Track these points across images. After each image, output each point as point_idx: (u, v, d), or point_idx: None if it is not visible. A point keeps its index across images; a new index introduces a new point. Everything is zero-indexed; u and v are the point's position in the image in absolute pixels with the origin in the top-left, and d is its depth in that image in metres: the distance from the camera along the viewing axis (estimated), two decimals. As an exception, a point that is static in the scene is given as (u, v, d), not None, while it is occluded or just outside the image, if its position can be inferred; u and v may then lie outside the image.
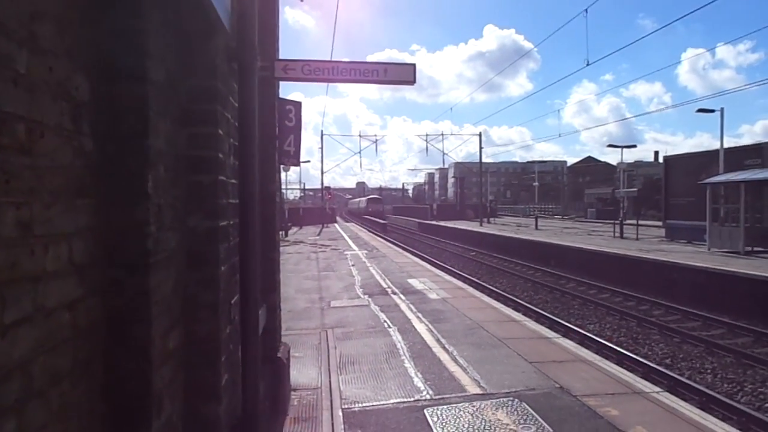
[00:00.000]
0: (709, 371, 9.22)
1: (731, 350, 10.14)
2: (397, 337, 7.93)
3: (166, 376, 2.05)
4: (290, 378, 5.59)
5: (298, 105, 5.63)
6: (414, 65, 5.38)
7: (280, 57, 5.34)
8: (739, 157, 22.14)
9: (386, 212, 76.34)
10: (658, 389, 5.98)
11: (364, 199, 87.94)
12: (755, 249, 18.77)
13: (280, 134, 5.26)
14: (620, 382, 5.98)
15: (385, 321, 8.99)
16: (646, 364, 9.19)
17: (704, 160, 23.84)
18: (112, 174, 1.86)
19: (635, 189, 55.74)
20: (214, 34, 2.41)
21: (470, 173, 72.41)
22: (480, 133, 47.57)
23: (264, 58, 4.88)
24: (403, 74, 5.39)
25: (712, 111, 24.77)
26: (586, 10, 18.41)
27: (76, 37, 1.64)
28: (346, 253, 21.90)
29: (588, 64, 24.86)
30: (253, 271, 2.75)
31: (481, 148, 46.90)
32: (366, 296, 11.44)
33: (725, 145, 23.31)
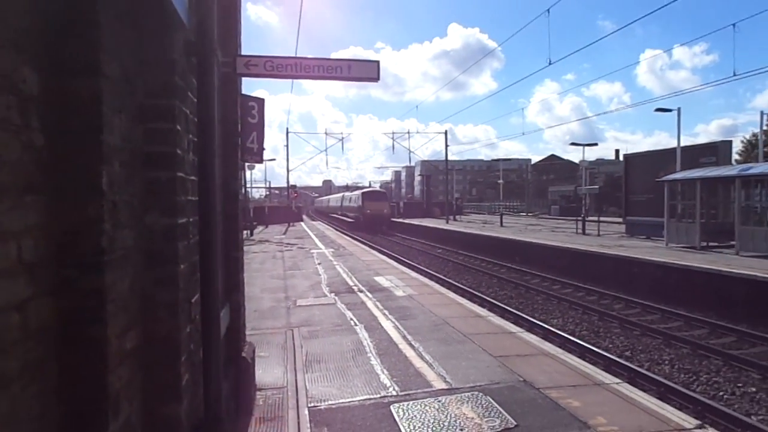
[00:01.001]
0: (666, 362, 9.49)
1: (688, 342, 10.46)
2: (363, 334, 7.93)
3: (124, 377, 2.00)
4: (255, 378, 5.53)
5: (261, 102, 5.56)
6: (378, 62, 5.38)
7: (243, 53, 5.27)
8: (695, 155, 22.86)
9: (389, 215, 49.41)
10: (617, 380, 6.13)
11: (356, 194, 54.88)
12: (710, 244, 19.41)
13: (242, 131, 5.19)
14: (582, 375, 6.10)
15: (351, 319, 8.98)
16: (607, 356, 9.41)
17: (662, 158, 24.52)
18: (64, 170, 1.80)
19: (597, 186, 56.98)
20: (172, 28, 2.36)
21: (436, 171, 72.82)
22: (446, 131, 47.89)
23: (225, 53, 4.82)
24: (367, 71, 5.39)
25: (670, 110, 25.48)
26: (548, 10, 18.80)
27: (23, 28, 1.59)
28: (312, 251, 21.79)
29: (550, 63, 25.35)
30: (213, 270, 2.71)
31: (446, 146, 47.25)
32: (332, 294, 11.41)
33: (682, 144, 24.01)
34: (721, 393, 8.01)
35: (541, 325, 11.72)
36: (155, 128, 2.30)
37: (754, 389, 8.04)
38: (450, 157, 50.81)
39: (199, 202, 2.72)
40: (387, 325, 8.50)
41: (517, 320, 11.91)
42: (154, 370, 2.25)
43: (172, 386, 2.27)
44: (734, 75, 22.69)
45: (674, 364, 9.37)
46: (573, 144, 53.35)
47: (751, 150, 50.06)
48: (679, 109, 24.99)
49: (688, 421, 4.83)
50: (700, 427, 4.67)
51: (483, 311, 10.11)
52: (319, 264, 17.23)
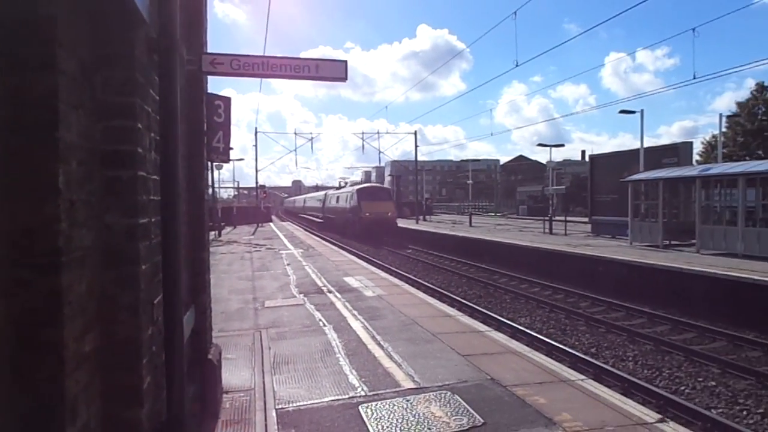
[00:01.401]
0: (630, 358, 9.70)
1: (651, 338, 10.72)
2: (332, 335, 7.90)
3: (82, 381, 1.95)
4: (222, 380, 5.46)
5: (227, 100, 5.50)
6: (345, 62, 5.38)
7: (209, 51, 5.20)
8: (658, 156, 23.46)
9: (395, 218, 37.31)
10: (582, 377, 6.24)
11: (347, 191, 41.15)
12: (672, 242, 19.93)
13: (208, 130, 5.12)
14: (548, 372, 6.20)
15: (320, 320, 8.94)
16: (573, 353, 9.58)
17: (626, 159, 25.10)
18: (19, 168, 1.75)
19: (564, 187, 58.10)
20: (132, 24, 2.31)
21: (406, 171, 73.06)
22: (415, 131, 48.04)
23: (191, 51, 4.75)
24: (335, 71, 5.39)
25: (633, 112, 26.12)
26: (515, 12, 19.07)
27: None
28: (281, 252, 21.63)
29: (517, 65, 25.87)
30: (176, 270, 2.66)
31: (416, 146, 47.46)
32: (301, 295, 11.34)
33: (645, 145, 24.63)
34: (682, 387, 8.23)
35: (509, 324, 11.86)
36: (115, 126, 2.25)
37: (713, 383, 8.27)
38: (420, 158, 51.08)
39: (162, 202, 2.67)
40: (356, 325, 8.49)
41: (485, 319, 12.03)
42: (114, 373, 2.20)
43: (133, 390, 2.22)
44: (694, 78, 23.46)
45: (638, 360, 9.59)
46: (540, 145, 54.26)
47: (711, 151, 51.56)
48: (642, 111, 25.65)
49: (650, 415, 4.95)
50: (661, 421, 4.78)
51: (452, 311, 10.18)
52: (288, 265, 17.11)
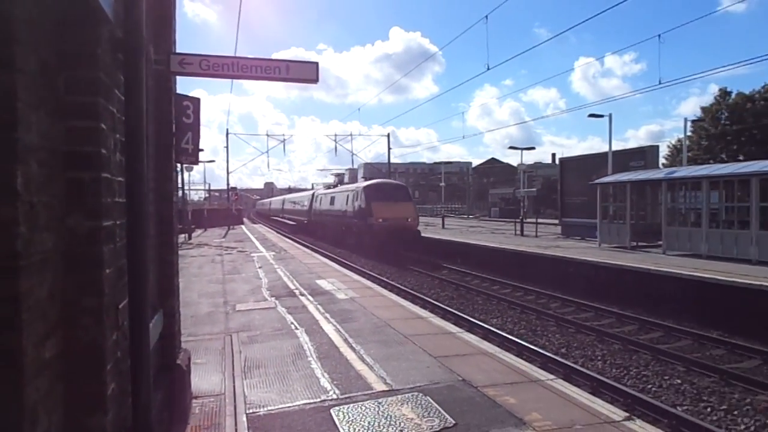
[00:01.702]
0: (599, 358, 9.87)
1: (619, 338, 10.92)
2: (304, 338, 7.85)
3: (42, 388, 1.90)
4: (191, 385, 5.38)
5: (196, 101, 5.42)
6: (317, 63, 5.36)
7: (178, 51, 5.12)
8: (626, 159, 23.94)
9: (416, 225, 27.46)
10: (552, 377, 6.32)
11: (350, 189, 31.80)
12: (639, 244, 20.35)
13: (177, 131, 5.04)
14: (519, 372, 6.26)
15: (292, 323, 8.87)
16: (543, 353, 9.70)
17: (595, 162, 25.56)
18: (-25, 170, 1.69)
19: (534, 189, 58.81)
20: (95, 22, 2.26)
21: (379, 174, 73.10)
22: (388, 134, 48.26)
23: (159, 51, 4.67)
24: (305, 72, 5.35)
25: (602, 116, 26.61)
26: (486, 17, 19.23)
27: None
28: (252, 255, 21.42)
29: (488, 69, 26.13)
30: (142, 274, 2.61)
31: (389, 148, 47.77)
32: (273, 298, 11.25)
33: (613, 148, 25.12)
34: (649, 386, 8.40)
35: (481, 325, 11.96)
36: (78, 126, 2.19)
37: (679, 381, 8.47)
38: (393, 160, 51.34)
39: (128, 204, 2.61)
40: (328, 328, 8.45)
41: (457, 321, 12.10)
42: (76, 379, 2.14)
43: (97, 396, 2.16)
44: (660, 83, 23.95)
45: (606, 359, 9.76)
46: (512, 148, 54.73)
47: (676, 154, 52.87)
48: (610, 115, 26.17)
49: (617, 413, 5.03)
50: (628, 419, 4.87)
51: (424, 312, 10.21)
52: (259, 268, 16.95)
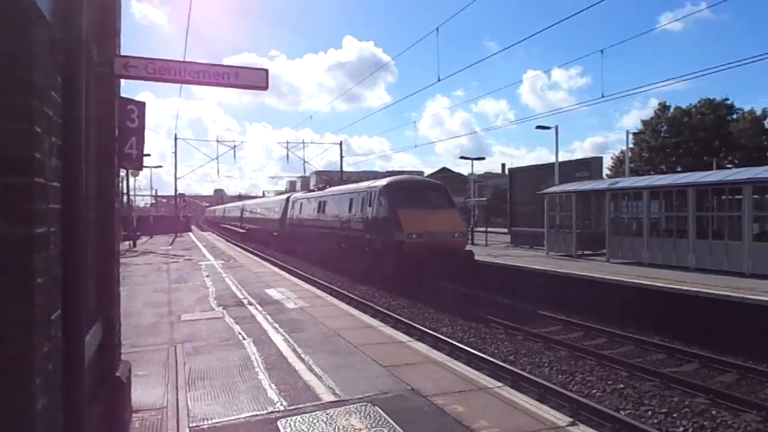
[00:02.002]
0: (546, 364, 10.08)
1: (565, 344, 11.21)
2: (252, 349, 7.71)
3: (-37, 406, 1.79)
4: (132, 399, 5.18)
5: (141, 105, 5.27)
6: (266, 70, 5.30)
7: (123, 53, 4.97)
8: (572, 169, 24.70)
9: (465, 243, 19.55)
10: (500, 384, 6.40)
11: (355, 190, 23.24)
12: (585, 252, 20.99)
13: (120, 136, 4.88)
14: (467, 380, 6.31)
15: (239, 333, 8.70)
16: (492, 361, 9.83)
17: (543, 173, 26.26)
18: None
19: (485, 198, 59.86)
20: (31, 21, 2.16)
21: (332, 182, 72.81)
22: (341, 142, 48.29)
23: (102, 53, 4.52)
24: (255, 79, 5.29)
25: (549, 128, 27.37)
26: (437, 29, 19.53)
27: None
28: (200, 263, 20.94)
29: (439, 80, 26.48)
30: (79, 283, 2.50)
31: (341, 156, 47.74)
32: (220, 308, 11.01)
33: (560, 159, 25.87)
34: (594, 391, 8.63)
35: (432, 334, 12.03)
36: (9, 129, 2.08)
37: (622, 386, 8.73)
38: (345, 168, 51.32)
39: (63, 211, 2.50)
40: (277, 338, 8.33)
41: (408, 329, 12.15)
42: (3, 394, 2.03)
43: (23, 412, 2.05)
44: (602, 96, 24.88)
45: (553, 365, 9.98)
46: (462, 158, 55.57)
47: (619, 165, 54.88)
48: (557, 127, 26.97)
49: (562, 419, 5.14)
50: (572, 424, 4.98)
51: (375, 322, 10.20)
52: (207, 276, 16.58)
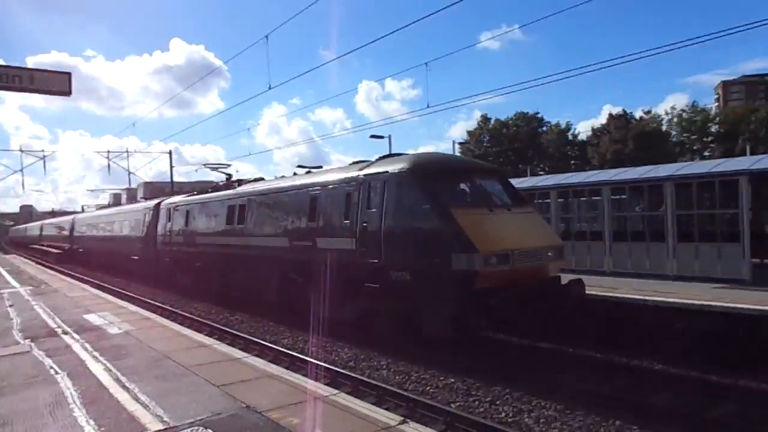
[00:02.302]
0: (384, 367, 10.33)
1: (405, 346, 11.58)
2: (66, 383, 6.91)
3: None
4: None
5: None
6: (69, 74, 4.81)
7: None
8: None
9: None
10: (336, 391, 6.46)
11: (362, 175, 11.82)
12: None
13: None
14: (304, 392, 6.28)
15: (51, 367, 7.76)
16: (332, 369, 9.87)
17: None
18: None
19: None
20: None
21: (162, 193, 68.32)
22: (170, 150, 45.57)
23: None
24: (56, 83, 4.79)
25: (382, 137, 28.51)
26: (267, 36, 19.30)
27: None
28: (2, 292, 18.38)
29: (270, 88, 26.31)
30: None
31: (171, 166, 45.13)
32: (27, 341, 9.73)
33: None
34: (428, 388, 9.03)
35: (271, 347, 11.78)
36: None
37: (453, 380, 9.24)
38: (177, 178, 48.56)
39: None
40: (96, 368, 7.57)
41: (247, 345, 11.78)
42: None
43: None
44: (428, 107, 26.59)
45: (391, 368, 10.26)
46: (300, 166, 55.36)
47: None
48: (390, 136, 28.22)
49: (394, 419, 5.33)
50: (402, 422, 5.20)
51: (210, 340, 9.74)
52: (10, 306, 14.57)
